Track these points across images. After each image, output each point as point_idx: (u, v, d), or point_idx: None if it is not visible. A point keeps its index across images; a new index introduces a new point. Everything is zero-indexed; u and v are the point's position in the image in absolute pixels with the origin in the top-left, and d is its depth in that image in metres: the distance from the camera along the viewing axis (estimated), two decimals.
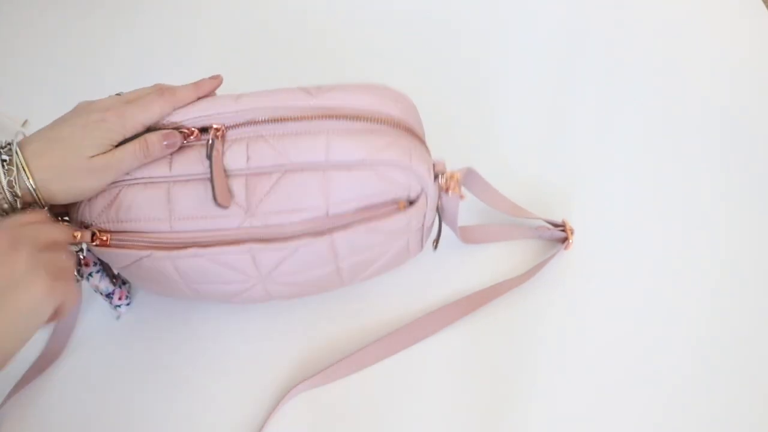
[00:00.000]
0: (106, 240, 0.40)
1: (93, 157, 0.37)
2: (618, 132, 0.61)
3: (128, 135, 0.39)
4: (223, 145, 0.40)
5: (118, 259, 0.41)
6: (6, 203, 0.36)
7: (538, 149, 0.59)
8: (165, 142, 0.39)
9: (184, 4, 0.70)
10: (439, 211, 0.46)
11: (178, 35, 0.68)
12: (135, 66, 0.65)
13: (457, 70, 0.65)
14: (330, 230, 0.40)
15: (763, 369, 0.49)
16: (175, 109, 0.41)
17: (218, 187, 0.39)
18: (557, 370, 0.49)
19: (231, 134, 0.41)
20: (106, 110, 0.38)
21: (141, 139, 0.39)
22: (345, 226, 0.40)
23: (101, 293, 0.47)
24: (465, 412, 0.47)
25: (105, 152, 0.38)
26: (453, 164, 0.44)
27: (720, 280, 0.53)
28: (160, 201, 0.40)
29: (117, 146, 0.39)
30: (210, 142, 0.40)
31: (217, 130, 0.40)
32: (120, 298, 0.48)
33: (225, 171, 0.40)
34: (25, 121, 0.60)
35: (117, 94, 0.42)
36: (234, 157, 0.40)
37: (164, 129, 0.40)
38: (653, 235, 0.55)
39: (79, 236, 0.39)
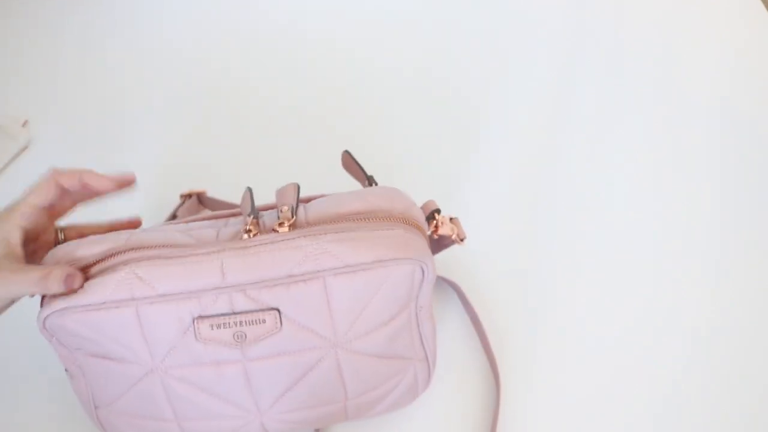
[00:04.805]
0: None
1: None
2: (617, 132, 0.61)
3: (24, 222, 0.39)
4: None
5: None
6: None
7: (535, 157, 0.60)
8: (64, 280, 0.37)
9: (182, 7, 0.70)
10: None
11: (177, 35, 0.68)
12: (134, 65, 0.65)
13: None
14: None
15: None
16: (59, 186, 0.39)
17: None
18: (555, 368, 0.48)
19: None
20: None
21: (46, 269, 0.37)
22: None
23: None
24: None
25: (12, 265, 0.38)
26: None
27: (717, 280, 0.52)
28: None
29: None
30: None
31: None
32: None
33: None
34: (25, 121, 0.60)
35: None
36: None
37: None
38: (651, 236, 0.55)
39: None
